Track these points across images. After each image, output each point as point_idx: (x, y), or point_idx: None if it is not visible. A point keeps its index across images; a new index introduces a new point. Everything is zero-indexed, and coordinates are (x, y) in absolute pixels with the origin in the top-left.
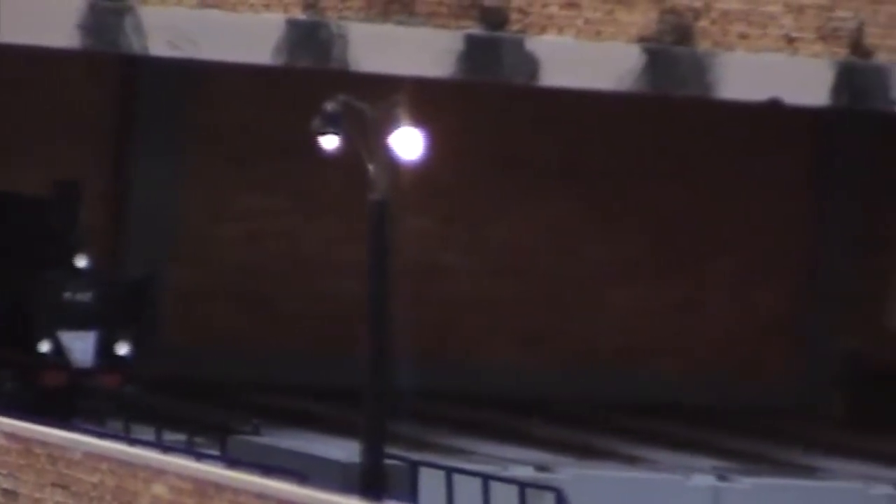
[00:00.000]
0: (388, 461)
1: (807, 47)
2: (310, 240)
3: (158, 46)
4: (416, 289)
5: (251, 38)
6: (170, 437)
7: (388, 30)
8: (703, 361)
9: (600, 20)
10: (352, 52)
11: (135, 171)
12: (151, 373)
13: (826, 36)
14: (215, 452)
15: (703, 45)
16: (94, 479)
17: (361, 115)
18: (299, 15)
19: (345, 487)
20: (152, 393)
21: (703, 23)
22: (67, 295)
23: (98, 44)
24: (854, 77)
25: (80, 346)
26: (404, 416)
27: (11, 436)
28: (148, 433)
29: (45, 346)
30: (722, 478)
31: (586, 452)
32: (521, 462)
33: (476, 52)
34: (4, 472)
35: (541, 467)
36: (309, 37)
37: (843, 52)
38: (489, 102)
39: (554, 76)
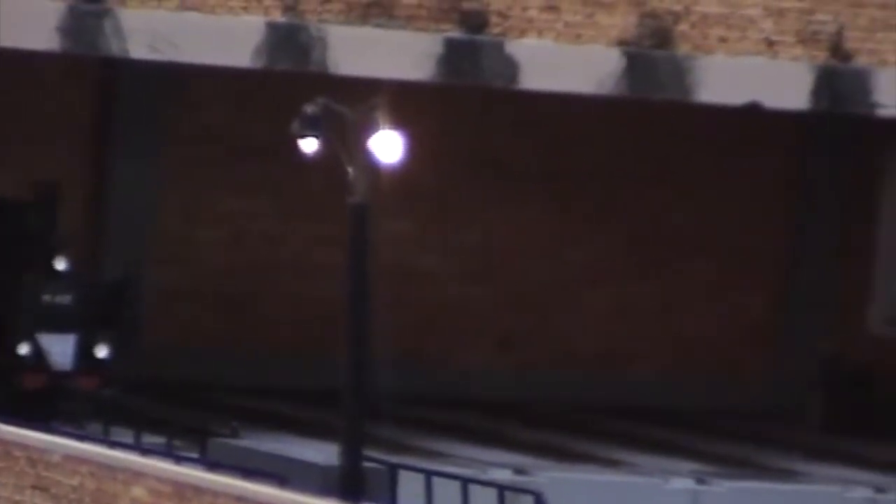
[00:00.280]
0: (367, 464)
1: (786, 51)
2: (289, 242)
3: (138, 49)
4: (396, 291)
5: (231, 41)
6: (149, 439)
7: (367, 33)
8: (682, 364)
9: (580, 23)
10: (331, 54)
11: (114, 174)
12: (131, 375)
13: (806, 39)
14: (195, 455)
15: (682, 49)
16: (74, 481)
17: (341, 118)
18: (279, 17)
19: (324, 490)
20: (132, 395)
21: (682, 26)
22: (47, 297)
23: (78, 46)
24: (834, 81)
25: (60, 348)
26: (383, 418)
27: None
28: (127, 436)
29: (24, 349)
30: (701, 481)
31: (565, 456)
32: (500, 465)
33: (455, 56)
34: None
35: (520, 470)
36: (288, 39)
37: (822, 56)
38: (469, 106)
39: (533, 79)
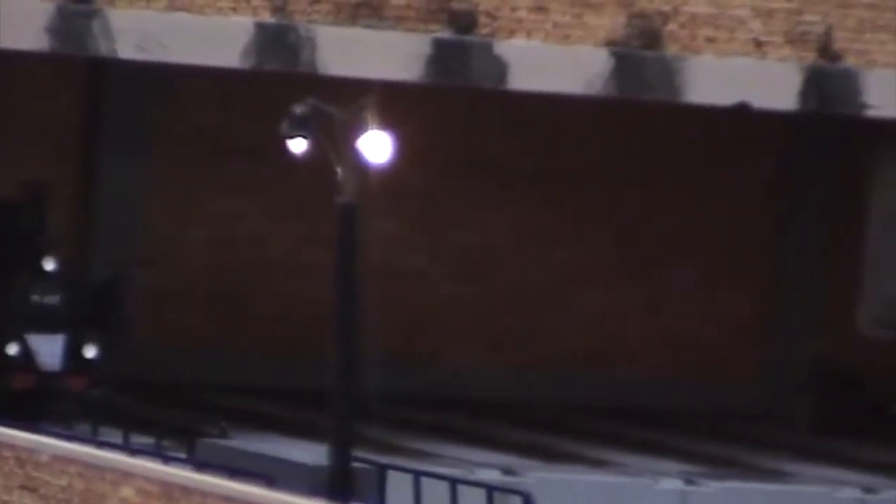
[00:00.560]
0: (355, 464)
1: (775, 51)
2: (278, 243)
3: (126, 49)
4: (384, 292)
5: (219, 41)
6: (138, 439)
7: (356, 33)
8: (670, 365)
9: (569, 24)
10: (320, 55)
11: (103, 174)
12: (119, 375)
13: (794, 40)
14: (183, 455)
15: (671, 49)
16: (63, 481)
17: (330, 119)
18: (268, 18)
19: (313, 490)
20: (120, 395)
21: (671, 27)
22: (35, 298)
23: (66, 47)
24: (822, 81)
25: (48, 348)
26: (372, 419)
27: None
28: (116, 436)
29: (13, 349)
30: (689, 481)
31: (554, 456)
32: (488, 466)
33: (444, 56)
34: None
35: (508, 471)
36: (277, 40)
37: (811, 57)
38: (458, 106)
39: (522, 80)
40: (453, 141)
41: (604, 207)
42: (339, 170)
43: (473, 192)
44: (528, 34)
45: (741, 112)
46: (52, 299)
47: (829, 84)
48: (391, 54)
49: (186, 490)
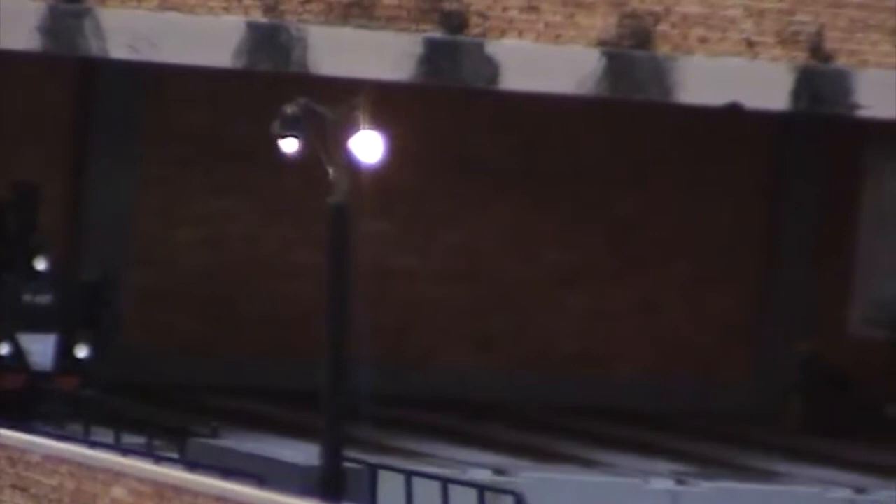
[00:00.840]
0: (346, 464)
1: (767, 51)
2: (269, 243)
3: (118, 49)
4: (375, 292)
5: (211, 41)
6: (129, 439)
7: (347, 33)
8: (660, 365)
9: (560, 24)
10: (312, 55)
11: (93, 174)
12: (110, 375)
13: (786, 40)
14: (174, 455)
15: (662, 49)
16: (54, 481)
17: (321, 119)
18: (259, 18)
19: (304, 490)
20: (111, 395)
21: (662, 27)
22: (26, 297)
23: (57, 46)
24: (814, 81)
25: (39, 348)
26: (363, 419)
27: None
28: (107, 436)
29: (4, 349)
30: (680, 481)
31: (545, 456)
32: (479, 465)
33: (436, 56)
34: None
35: (499, 471)
36: (269, 40)
37: (802, 57)
38: (449, 106)
39: (513, 80)
40: (445, 141)
41: (595, 207)
42: (330, 170)
43: (465, 192)
44: (520, 34)
45: (733, 112)
46: (44, 299)
47: (820, 84)
48: (382, 54)
49: (178, 490)
